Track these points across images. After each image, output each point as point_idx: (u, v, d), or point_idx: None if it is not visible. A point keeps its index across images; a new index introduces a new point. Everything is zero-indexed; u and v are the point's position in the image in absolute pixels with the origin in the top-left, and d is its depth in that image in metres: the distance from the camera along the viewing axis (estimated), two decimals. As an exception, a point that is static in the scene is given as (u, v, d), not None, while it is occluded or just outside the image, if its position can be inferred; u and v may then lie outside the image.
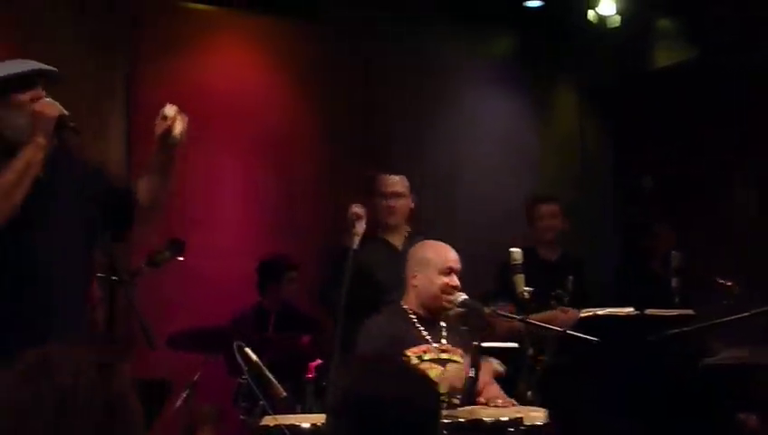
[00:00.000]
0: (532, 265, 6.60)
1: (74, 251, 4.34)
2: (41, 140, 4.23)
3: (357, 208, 5.96)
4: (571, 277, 6.94)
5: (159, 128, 4.49)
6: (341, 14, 8.81)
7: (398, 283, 5.73)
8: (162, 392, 6.61)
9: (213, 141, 8.08)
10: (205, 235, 8.02)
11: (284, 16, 8.79)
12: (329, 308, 6.33)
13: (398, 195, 6.51)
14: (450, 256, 5.56)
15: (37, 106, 4.27)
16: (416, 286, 5.53)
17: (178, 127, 4.49)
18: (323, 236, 8.17)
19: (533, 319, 5.56)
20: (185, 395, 6.59)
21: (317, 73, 8.84)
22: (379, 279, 6.15)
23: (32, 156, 4.20)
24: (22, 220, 4.19)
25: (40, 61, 4.50)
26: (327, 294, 6.21)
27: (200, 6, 8.59)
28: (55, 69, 4.44)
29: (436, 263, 5.52)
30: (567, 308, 6.77)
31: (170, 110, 4.49)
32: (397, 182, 6.54)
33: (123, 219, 4.59)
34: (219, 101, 8.21)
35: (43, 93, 4.34)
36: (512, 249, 5.62)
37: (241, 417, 5.91)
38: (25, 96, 4.30)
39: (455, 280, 5.47)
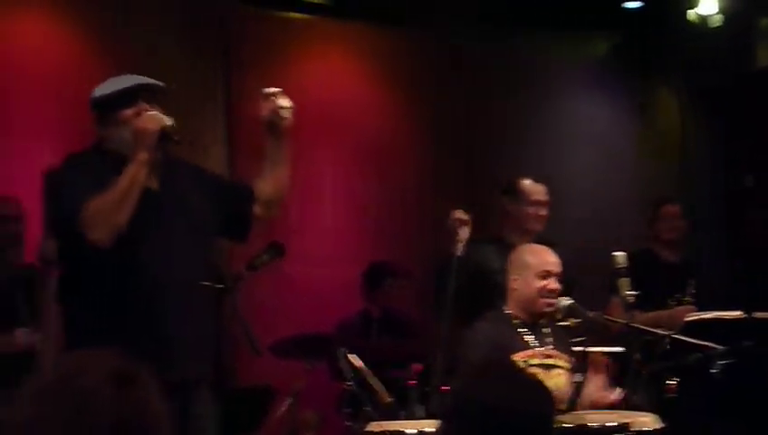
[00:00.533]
0: (652, 267, 6.53)
1: (188, 261, 4.32)
2: (142, 156, 4.22)
3: (460, 214, 5.93)
4: (693, 281, 6.85)
5: (266, 109, 4.49)
6: (440, 20, 8.80)
7: None
8: (266, 399, 6.66)
9: (312, 149, 8.12)
10: (305, 243, 8.07)
11: (382, 23, 8.81)
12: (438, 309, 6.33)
13: (545, 204, 6.45)
14: (548, 259, 5.52)
15: (138, 122, 4.28)
16: (515, 290, 5.50)
17: (285, 102, 4.48)
18: (424, 242, 8.17)
19: (639, 322, 5.52)
20: (288, 402, 6.61)
21: (416, 79, 8.85)
22: (501, 282, 6.10)
23: (135, 173, 4.20)
24: (134, 235, 4.20)
25: (141, 74, 4.54)
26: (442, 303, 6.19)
27: (297, 15, 8.65)
28: (158, 82, 4.45)
29: (533, 266, 5.48)
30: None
31: (272, 89, 4.49)
32: (543, 191, 6.46)
33: (244, 219, 4.62)
34: (318, 109, 8.23)
35: (147, 107, 4.35)
36: (615, 253, 5.58)
37: (346, 423, 5.91)
38: (130, 111, 4.31)
39: (553, 283, 5.42)
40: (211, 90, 8.16)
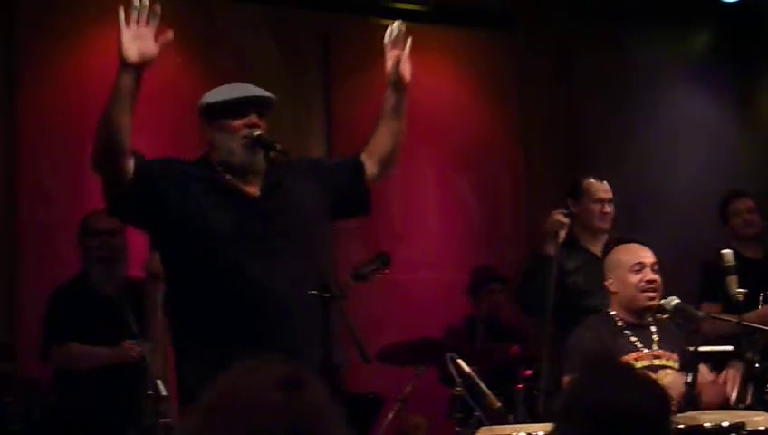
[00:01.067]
0: (738, 266, 6.43)
1: (293, 270, 4.28)
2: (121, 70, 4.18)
3: (561, 217, 5.95)
4: None
5: (391, 61, 4.56)
6: (537, 21, 8.78)
7: (597, 289, 5.68)
8: (374, 406, 6.67)
9: (412, 155, 8.12)
10: (407, 248, 8.07)
11: (478, 27, 8.81)
12: (522, 308, 6.46)
13: (609, 201, 6.42)
14: (640, 252, 5.47)
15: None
16: (614, 292, 5.46)
17: (396, 24, 4.57)
18: (525, 246, 8.14)
19: (748, 320, 5.45)
20: (397, 408, 6.61)
21: (514, 81, 8.83)
22: (577, 284, 6.11)
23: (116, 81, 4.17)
24: (235, 244, 4.23)
25: (239, 82, 4.56)
26: (520, 294, 6.31)
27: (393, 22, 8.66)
28: (268, 94, 4.44)
29: (625, 262, 5.44)
30: None
31: (392, 30, 4.56)
32: (606, 188, 6.44)
33: (360, 191, 4.65)
34: (417, 114, 8.21)
35: (256, 119, 4.35)
36: (723, 251, 5.55)
37: (456, 429, 5.89)
38: (239, 122, 4.32)
39: (649, 274, 5.37)
40: (309, 100, 8.22)
